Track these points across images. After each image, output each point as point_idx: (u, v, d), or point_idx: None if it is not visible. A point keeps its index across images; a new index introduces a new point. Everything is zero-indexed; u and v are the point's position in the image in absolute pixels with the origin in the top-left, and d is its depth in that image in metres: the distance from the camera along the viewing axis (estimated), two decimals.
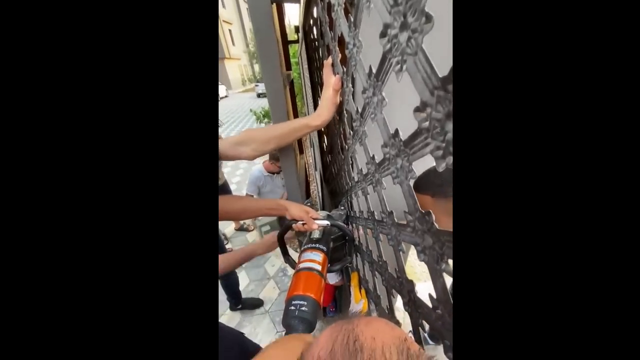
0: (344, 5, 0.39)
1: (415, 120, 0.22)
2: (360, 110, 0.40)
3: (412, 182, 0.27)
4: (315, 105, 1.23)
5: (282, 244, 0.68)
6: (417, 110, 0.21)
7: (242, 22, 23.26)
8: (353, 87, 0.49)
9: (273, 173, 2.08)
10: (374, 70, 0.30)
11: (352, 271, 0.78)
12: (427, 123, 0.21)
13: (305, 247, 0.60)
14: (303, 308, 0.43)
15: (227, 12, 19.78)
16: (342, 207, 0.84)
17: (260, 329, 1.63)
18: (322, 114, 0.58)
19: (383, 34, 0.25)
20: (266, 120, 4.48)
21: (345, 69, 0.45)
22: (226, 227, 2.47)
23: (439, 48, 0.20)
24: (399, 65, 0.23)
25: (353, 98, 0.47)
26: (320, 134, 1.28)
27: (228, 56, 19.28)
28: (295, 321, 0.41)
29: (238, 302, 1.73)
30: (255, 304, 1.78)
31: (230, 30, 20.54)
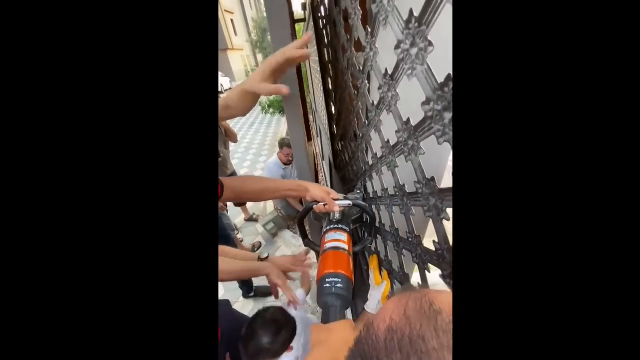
0: None
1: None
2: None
3: None
4: (326, 91, 1.19)
5: (301, 227, 0.67)
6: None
7: (244, 11, 22.75)
8: (369, 82, 0.49)
9: (287, 164, 2.05)
10: (389, 72, 0.28)
11: (369, 255, 0.76)
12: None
13: (328, 228, 0.58)
14: (338, 285, 0.41)
15: (228, 0, 19.34)
16: (359, 191, 0.82)
17: None
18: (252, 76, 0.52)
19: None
20: (271, 110, 4.42)
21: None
22: (236, 218, 2.49)
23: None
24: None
25: (368, 92, 0.49)
26: (330, 118, 1.24)
27: (231, 47, 18.97)
28: (332, 298, 0.40)
29: (250, 290, 1.75)
30: (267, 292, 1.80)
31: (232, 20, 20.12)
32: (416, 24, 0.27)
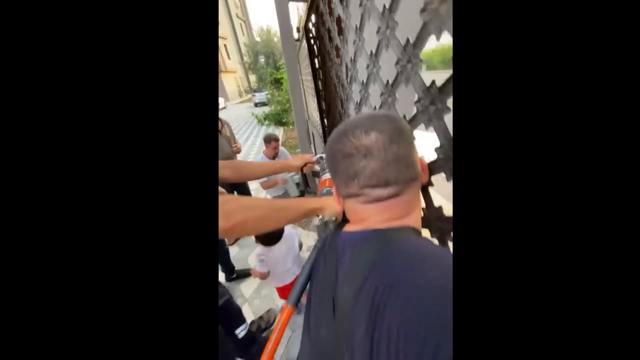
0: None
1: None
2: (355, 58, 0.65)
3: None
4: (317, 91, 1.48)
5: (304, 177, 0.92)
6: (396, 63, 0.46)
7: (236, 36, 24.10)
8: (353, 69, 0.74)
9: (273, 159, 2.20)
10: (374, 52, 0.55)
11: None
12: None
13: (322, 173, 0.83)
14: (332, 191, 0.66)
15: (221, 27, 20.56)
16: None
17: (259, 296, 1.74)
18: None
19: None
20: (267, 122, 4.76)
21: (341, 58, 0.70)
22: None
23: None
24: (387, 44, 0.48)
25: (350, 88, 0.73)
26: (321, 113, 1.52)
27: (224, 69, 19.93)
28: (328, 195, 0.64)
29: (232, 272, 1.85)
30: (247, 273, 1.88)
31: (225, 45, 21.29)
32: (374, 60, 0.55)
